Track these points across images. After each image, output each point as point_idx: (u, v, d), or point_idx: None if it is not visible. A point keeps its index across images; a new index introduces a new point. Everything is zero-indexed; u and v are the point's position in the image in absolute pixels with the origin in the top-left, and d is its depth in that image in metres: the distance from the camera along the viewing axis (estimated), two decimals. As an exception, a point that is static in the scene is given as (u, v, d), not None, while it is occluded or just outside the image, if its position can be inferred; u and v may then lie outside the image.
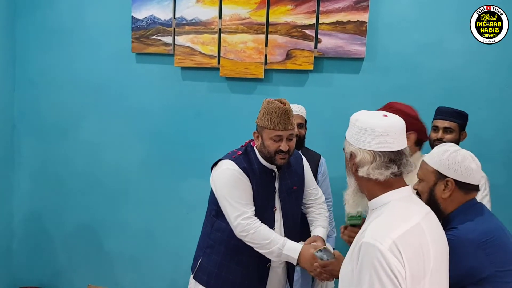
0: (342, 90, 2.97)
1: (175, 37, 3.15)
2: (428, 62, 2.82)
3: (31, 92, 3.48)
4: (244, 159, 2.01)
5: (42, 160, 3.52)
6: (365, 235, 1.19)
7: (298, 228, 2.16)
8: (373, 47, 2.89)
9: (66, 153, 3.46)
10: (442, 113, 2.41)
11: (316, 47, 2.92)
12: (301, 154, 2.28)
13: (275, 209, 2.04)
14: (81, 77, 3.39)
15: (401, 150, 1.27)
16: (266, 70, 3.04)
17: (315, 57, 2.94)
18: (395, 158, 1.26)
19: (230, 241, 1.98)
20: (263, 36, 2.99)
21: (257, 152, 2.04)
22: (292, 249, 1.90)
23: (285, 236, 2.00)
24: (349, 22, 2.87)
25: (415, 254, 1.16)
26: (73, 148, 3.44)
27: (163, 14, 3.16)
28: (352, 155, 1.31)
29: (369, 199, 1.33)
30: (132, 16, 3.21)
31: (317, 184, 2.60)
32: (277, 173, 2.05)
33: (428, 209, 1.35)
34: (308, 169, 2.24)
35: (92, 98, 3.38)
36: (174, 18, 3.14)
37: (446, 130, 2.36)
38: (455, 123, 2.36)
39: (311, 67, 2.93)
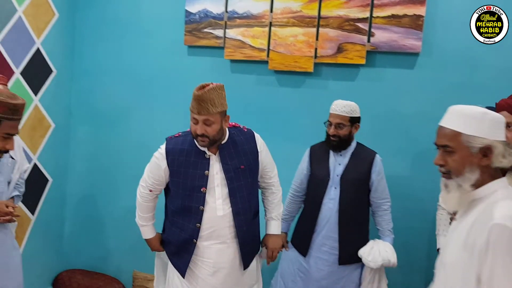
0: (395, 86, 2.88)
1: (226, 30, 3.17)
2: (487, 59, 2.68)
3: (87, 81, 3.61)
4: (178, 139, 2.20)
5: (95, 147, 3.64)
6: (494, 217, 1.22)
7: (250, 207, 2.25)
8: (430, 41, 2.78)
9: (118, 140, 3.56)
10: None
11: (369, 41, 2.85)
12: (255, 132, 2.33)
13: (204, 190, 2.12)
14: (135, 68, 3.48)
15: None
16: (315, 64, 2.99)
17: (367, 51, 2.86)
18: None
19: (173, 209, 2.26)
20: (314, 29, 2.95)
21: None
22: (145, 233, 2.38)
23: (233, 215, 2.16)
24: (405, 15, 2.77)
25: None
26: (124, 136, 3.54)
27: (216, 7, 3.19)
28: (489, 149, 1.32)
29: (476, 188, 1.35)
30: (186, 10, 3.26)
31: (372, 184, 2.54)
32: (211, 154, 2.15)
33: None
34: (264, 148, 2.32)
35: (144, 89, 3.47)
36: (226, 11, 3.17)
37: None
38: None
39: (363, 61, 2.85)
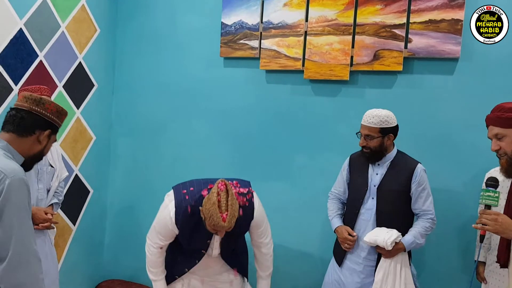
0: (433, 92, 2.80)
1: (262, 40, 3.19)
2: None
3: (127, 95, 3.71)
4: (186, 211, 2.21)
5: (135, 159, 3.72)
6: None
7: (238, 256, 2.52)
8: (469, 46, 2.70)
9: (157, 152, 3.63)
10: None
11: (406, 47, 2.80)
12: (255, 204, 2.32)
13: (204, 252, 2.35)
14: (172, 81, 3.55)
15: None
16: (351, 72, 2.96)
17: (404, 57, 2.81)
18: None
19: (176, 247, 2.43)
20: (350, 37, 2.93)
21: None
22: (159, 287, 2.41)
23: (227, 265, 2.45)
24: (442, 20, 2.71)
25: None
26: (163, 148, 3.60)
27: (251, 18, 3.23)
28: None
29: None
30: (222, 22, 3.31)
31: (412, 195, 2.44)
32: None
33: None
34: (258, 220, 2.35)
35: (182, 101, 3.52)
36: (261, 22, 3.20)
37: None
38: None
39: (400, 68, 2.80)
